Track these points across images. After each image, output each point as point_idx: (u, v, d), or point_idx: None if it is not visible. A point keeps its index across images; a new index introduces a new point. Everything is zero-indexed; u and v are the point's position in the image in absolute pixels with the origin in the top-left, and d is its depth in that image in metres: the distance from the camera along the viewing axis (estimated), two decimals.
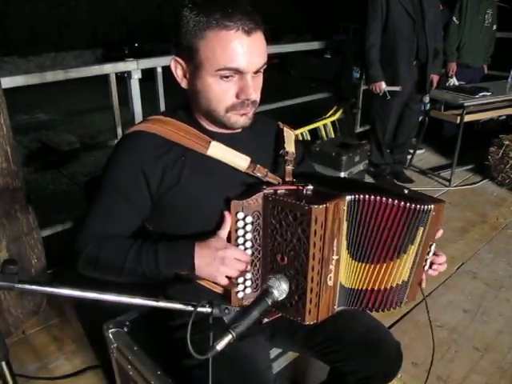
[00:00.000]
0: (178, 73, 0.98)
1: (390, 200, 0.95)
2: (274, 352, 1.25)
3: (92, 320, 1.52)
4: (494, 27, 4.02)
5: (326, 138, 3.56)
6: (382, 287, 1.02)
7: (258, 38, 0.92)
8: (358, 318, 1.15)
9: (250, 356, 1.02)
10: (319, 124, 3.57)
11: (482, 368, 1.81)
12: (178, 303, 0.80)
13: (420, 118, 3.63)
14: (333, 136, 3.60)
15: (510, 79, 3.71)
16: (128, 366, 1.22)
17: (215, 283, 0.99)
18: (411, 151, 3.80)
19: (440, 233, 1.06)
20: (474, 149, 3.89)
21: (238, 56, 0.89)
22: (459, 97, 3.27)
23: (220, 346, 0.73)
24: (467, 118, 3.31)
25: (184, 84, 0.99)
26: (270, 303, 0.84)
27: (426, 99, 3.27)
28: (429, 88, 3.21)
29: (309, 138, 3.51)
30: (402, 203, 0.95)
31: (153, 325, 1.29)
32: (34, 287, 0.71)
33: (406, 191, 1.02)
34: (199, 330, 1.05)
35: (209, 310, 0.79)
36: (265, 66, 0.96)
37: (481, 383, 1.74)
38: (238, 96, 0.95)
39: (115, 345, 1.25)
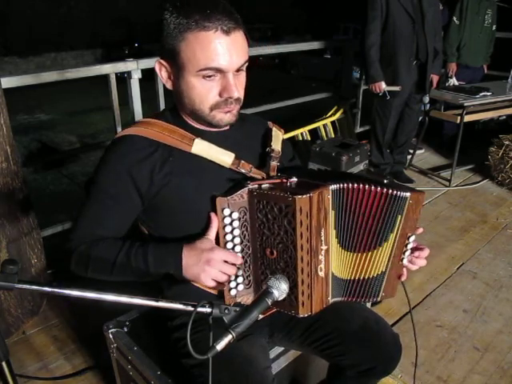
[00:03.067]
0: (163, 75, 1.01)
1: (373, 187, 0.97)
2: (274, 352, 1.25)
3: (92, 320, 1.52)
4: (494, 27, 4.02)
5: (326, 138, 3.56)
6: (362, 277, 1.04)
7: (238, 37, 0.93)
8: (357, 311, 1.16)
9: (249, 356, 1.02)
10: (319, 124, 3.57)
11: (482, 368, 1.81)
12: (178, 303, 0.80)
13: (420, 118, 3.63)
14: (333, 136, 3.60)
15: (510, 79, 3.70)
16: (128, 366, 1.22)
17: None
18: (411, 151, 3.80)
19: (419, 230, 1.07)
20: (474, 149, 3.89)
21: (218, 56, 0.91)
22: (459, 97, 3.26)
23: (220, 345, 0.73)
24: (467, 118, 3.31)
25: (169, 85, 1.02)
26: (270, 303, 0.84)
27: (426, 99, 3.26)
28: (429, 88, 3.21)
29: (309, 138, 3.51)
30: (379, 189, 0.97)
31: (153, 325, 1.29)
32: (33, 287, 0.71)
33: (386, 181, 1.04)
34: (199, 330, 1.06)
35: (208, 310, 0.79)
36: (246, 64, 0.97)
37: (481, 383, 1.74)
38: (220, 94, 0.96)
39: (115, 345, 1.25)
